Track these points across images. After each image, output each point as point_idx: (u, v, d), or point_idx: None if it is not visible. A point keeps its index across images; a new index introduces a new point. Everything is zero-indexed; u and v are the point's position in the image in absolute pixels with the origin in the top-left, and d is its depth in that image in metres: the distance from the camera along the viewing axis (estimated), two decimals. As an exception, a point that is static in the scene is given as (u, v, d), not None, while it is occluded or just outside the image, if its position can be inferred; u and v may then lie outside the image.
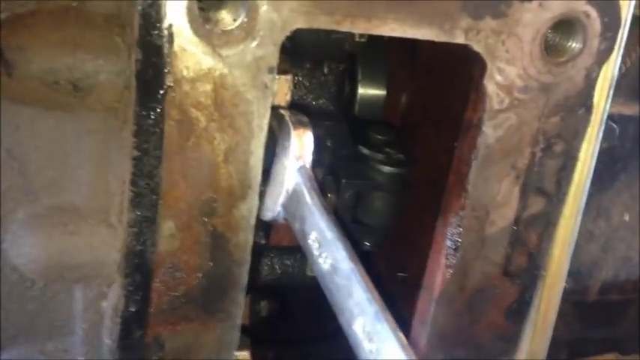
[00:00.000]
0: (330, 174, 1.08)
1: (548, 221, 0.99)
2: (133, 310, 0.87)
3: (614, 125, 1.28)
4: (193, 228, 0.85)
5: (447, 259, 0.99)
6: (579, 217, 1.02)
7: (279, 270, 1.21)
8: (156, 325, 0.89)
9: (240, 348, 0.99)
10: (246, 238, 0.88)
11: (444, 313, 1.02)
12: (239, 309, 0.92)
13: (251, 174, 0.84)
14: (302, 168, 0.86)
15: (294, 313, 1.33)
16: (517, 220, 0.98)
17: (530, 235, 0.99)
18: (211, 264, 0.88)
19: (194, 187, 0.83)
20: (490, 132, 0.89)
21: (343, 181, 1.07)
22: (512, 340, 1.07)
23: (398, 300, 1.19)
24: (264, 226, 1.07)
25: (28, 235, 0.82)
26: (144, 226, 0.83)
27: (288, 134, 0.89)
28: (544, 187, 0.96)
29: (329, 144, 1.11)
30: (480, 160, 0.91)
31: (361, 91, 1.20)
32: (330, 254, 0.76)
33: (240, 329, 0.94)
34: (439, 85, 1.17)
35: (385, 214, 1.11)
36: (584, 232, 1.37)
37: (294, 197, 0.85)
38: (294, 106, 1.12)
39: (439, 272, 1.00)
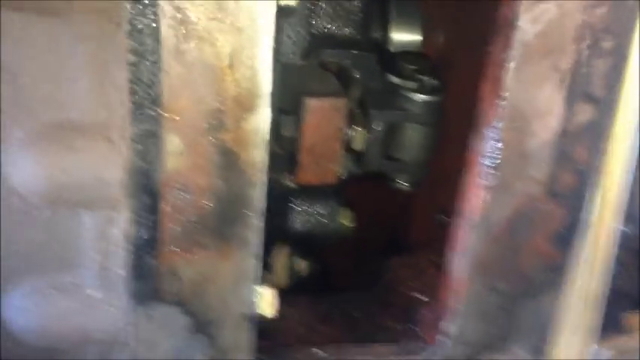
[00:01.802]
0: (358, 107, 1.00)
1: (598, 132, 0.89)
2: (144, 236, 0.82)
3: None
4: (200, 143, 0.79)
5: (484, 179, 0.90)
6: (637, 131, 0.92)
7: (313, 220, 1.14)
8: (169, 253, 0.84)
9: (263, 283, 0.93)
10: (258, 155, 0.81)
11: (484, 241, 0.93)
12: (256, 236, 0.86)
13: (260, 82, 0.77)
14: None
15: (331, 263, 1.27)
16: (562, 132, 0.88)
17: (578, 149, 0.89)
18: (223, 185, 0.82)
19: (198, 98, 0.76)
20: (527, 27, 0.79)
21: (372, 111, 0.98)
22: (559, 270, 0.98)
23: (436, 248, 1.11)
24: (289, 165, 1.00)
25: (28, 154, 0.78)
26: (148, 141, 0.77)
27: None
28: (592, 91, 0.85)
29: (356, 75, 1.03)
30: (517, 62, 0.82)
31: (395, 36, 1.12)
32: None
33: (260, 259, 0.87)
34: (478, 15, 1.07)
35: (420, 148, 1.03)
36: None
37: None
38: (318, 35, 1.05)
39: (476, 195, 0.91)
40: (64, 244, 0.84)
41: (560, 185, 0.91)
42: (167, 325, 0.87)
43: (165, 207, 0.81)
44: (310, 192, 1.10)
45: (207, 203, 0.82)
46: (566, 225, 0.94)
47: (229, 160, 0.80)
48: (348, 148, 1.00)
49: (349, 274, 1.35)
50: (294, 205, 1.10)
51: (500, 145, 0.87)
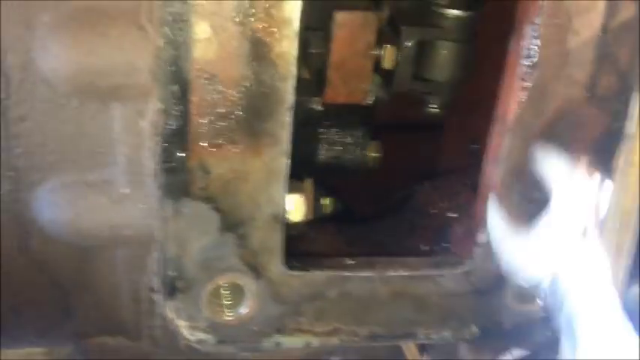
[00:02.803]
0: (388, 25, 0.97)
1: (641, 31, 0.85)
2: (173, 127, 0.81)
3: None
4: (230, 31, 0.77)
5: (522, 79, 0.87)
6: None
7: (340, 150, 1.11)
8: (199, 146, 0.83)
9: (292, 190, 0.92)
10: (289, 46, 0.80)
11: (520, 146, 0.90)
12: (286, 132, 0.85)
13: None
14: None
15: (356, 192, 1.26)
16: (605, 30, 0.84)
17: (621, 49, 0.86)
18: (253, 76, 0.80)
19: (227, -20, 0.75)
20: None
21: (403, 28, 0.95)
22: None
23: (469, 173, 1.09)
24: (316, 88, 0.98)
25: (56, 39, 0.77)
26: (176, 26, 0.76)
27: None
28: (637, -16, 0.82)
29: None
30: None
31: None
32: None
33: (289, 157, 0.86)
34: None
35: (453, 68, 0.99)
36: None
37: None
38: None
39: (513, 96, 0.89)
40: (93, 137, 0.84)
41: (601, 87, 0.88)
42: (197, 222, 0.87)
43: (195, 98, 0.80)
44: (338, 120, 1.08)
45: (237, 95, 0.81)
46: (606, 130, 0.90)
47: (260, 51, 0.79)
48: (378, 68, 0.98)
49: (375, 203, 1.33)
50: (321, 134, 1.09)
51: (539, 42, 0.84)
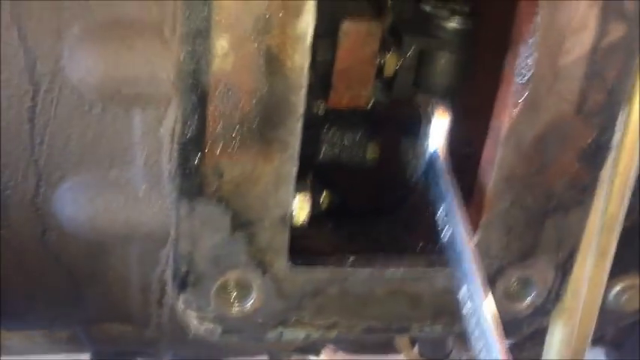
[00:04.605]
0: (390, 34, 1.02)
1: (629, 51, 0.91)
2: (190, 134, 0.87)
3: None
4: (247, 46, 0.83)
5: (515, 95, 0.93)
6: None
7: (337, 149, 1.17)
8: (213, 152, 0.89)
9: (299, 190, 0.97)
10: (301, 60, 0.85)
11: (512, 156, 0.97)
12: (296, 139, 0.90)
13: None
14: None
15: (353, 191, 1.31)
16: (594, 49, 0.90)
17: (609, 67, 0.92)
18: (266, 88, 0.86)
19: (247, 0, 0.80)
20: (565, -59, 0.82)
21: (405, 37, 1.01)
22: (586, 189, 1.01)
23: (463, 175, 1.15)
24: (320, 91, 1.03)
25: (85, 49, 0.82)
26: (197, 42, 0.81)
27: None
28: (625, 8, 0.87)
29: (389, 3, 1.05)
30: (553, -24, 0.84)
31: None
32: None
33: (297, 162, 0.92)
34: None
35: (449, 77, 1.05)
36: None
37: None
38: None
39: (507, 110, 0.95)
40: (114, 140, 0.89)
41: (589, 103, 0.94)
42: (209, 222, 0.92)
43: (212, 107, 0.86)
44: (338, 122, 1.14)
45: (251, 106, 0.86)
46: (593, 142, 0.97)
47: (274, 65, 0.84)
48: (379, 75, 1.03)
49: (371, 201, 1.39)
50: (321, 135, 1.14)
51: (532, 61, 0.90)
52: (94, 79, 0.83)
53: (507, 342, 1.31)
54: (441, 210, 0.93)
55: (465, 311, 0.85)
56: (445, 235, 0.91)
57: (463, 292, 0.85)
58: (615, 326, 1.46)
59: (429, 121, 1.01)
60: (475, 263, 0.86)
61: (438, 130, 1.01)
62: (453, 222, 0.91)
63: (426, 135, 1.01)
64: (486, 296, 0.83)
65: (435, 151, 1.01)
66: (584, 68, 0.91)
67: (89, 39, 0.82)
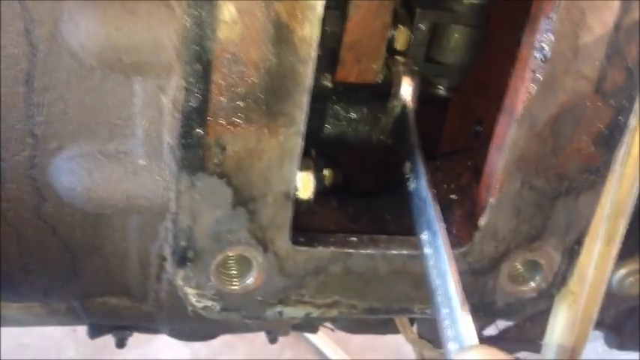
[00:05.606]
0: (403, 7, 0.98)
1: (652, 31, 0.87)
2: (193, 105, 0.83)
3: None
4: (255, 12, 0.79)
5: (533, 72, 0.89)
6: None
7: (345, 124, 1.13)
8: (217, 124, 0.85)
9: (303, 168, 0.94)
10: (312, 30, 0.81)
11: (525, 136, 0.93)
12: (303, 113, 0.86)
13: None
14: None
15: (358, 169, 1.28)
16: (617, 27, 0.86)
17: (630, 46, 0.88)
18: (274, 59, 0.82)
19: (255, -36, 0.76)
20: None
21: (418, 10, 0.97)
22: (599, 172, 0.98)
23: (473, 154, 1.12)
24: (328, 64, 0.99)
25: (85, 12, 0.78)
26: (203, 6, 0.77)
27: None
28: (651, -15, 0.84)
29: None
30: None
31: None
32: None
33: (303, 138, 0.88)
34: None
35: (463, 52, 1.01)
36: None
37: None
38: None
39: (523, 88, 0.91)
40: (114, 109, 0.85)
41: (608, 83, 0.90)
42: (210, 196, 0.89)
43: (216, 77, 0.82)
44: (346, 96, 1.10)
45: (258, 77, 0.82)
46: (610, 124, 0.93)
47: (282, 34, 0.80)
48: (389, 48, 0.99)
49: (375, 180, 1.36)
50: (328, 109, 1.10)
51: (552, 37, 0.86)
52: (93, 45, 0.79)
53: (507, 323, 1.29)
54: (407, 163, 0.98)
55: (424, 252, 0.90)
56: (410, 185, 0.97)
57: (424, 236, 0.91)
58: (616, 310, 1.44)
59: (399, 82, 0.99)
60: (437, 213, 0.91)
61: (406, 91, 1.00)
62: (417, 174, 0.96)
63: (395, 96, 1.01)
64: (445, 242, 0.88)
65: (403, 110, 1.02)
66: (605, 46, 0.87)
67: (90, 3, 0.78)
